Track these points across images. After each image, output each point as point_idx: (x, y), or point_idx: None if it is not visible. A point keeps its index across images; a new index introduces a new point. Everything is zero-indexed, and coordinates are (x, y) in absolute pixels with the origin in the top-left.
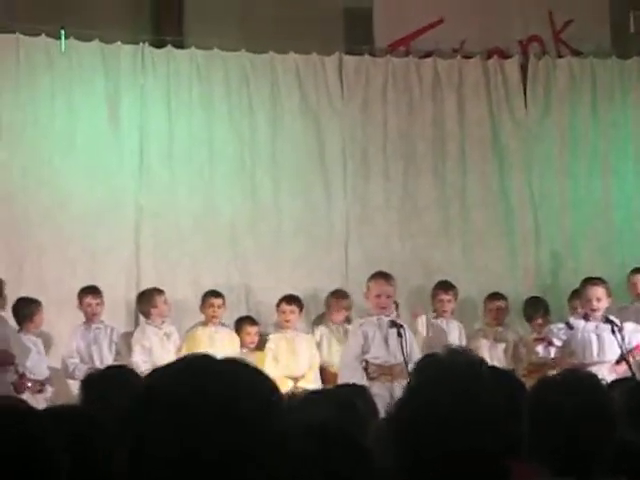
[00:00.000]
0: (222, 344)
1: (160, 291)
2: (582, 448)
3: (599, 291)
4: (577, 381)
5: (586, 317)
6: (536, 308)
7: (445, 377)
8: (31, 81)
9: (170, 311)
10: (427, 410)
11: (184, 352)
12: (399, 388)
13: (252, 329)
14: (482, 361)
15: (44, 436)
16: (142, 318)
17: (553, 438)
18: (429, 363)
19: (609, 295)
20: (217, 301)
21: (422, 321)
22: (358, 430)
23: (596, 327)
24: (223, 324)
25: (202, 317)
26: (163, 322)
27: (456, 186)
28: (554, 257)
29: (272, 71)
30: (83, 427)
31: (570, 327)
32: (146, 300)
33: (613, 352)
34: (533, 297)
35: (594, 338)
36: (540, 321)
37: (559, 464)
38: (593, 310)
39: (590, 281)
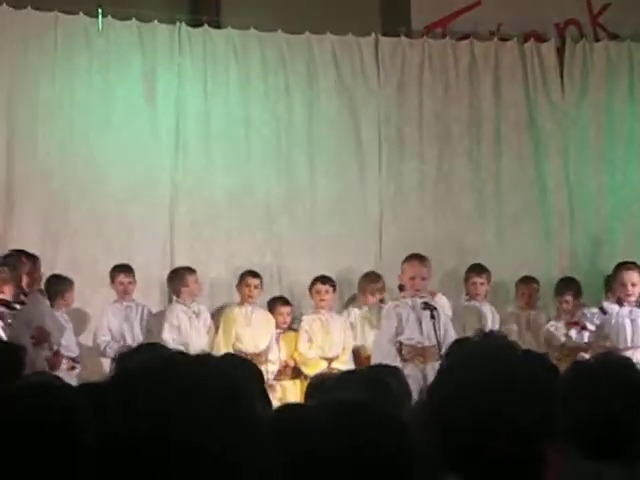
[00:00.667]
0: (258, 324)
1: (192, 270)
2: (620, 430)
3: (634, 276)
4: (612, 363)
5: (620, 302)
6: (568, 286)
7: (477, 360)
8: (69, 59)
9: (201, 290)
10: (459, 392)
11: (220, 331)
12: (432, 370)
13: (285, 309)
14: (514, 344)
15: (76, 412)
16: (173, 297)
17: (589, 421)
18: (461, 346)
19: None
20: (254, 281)
21: (440, 301)
22: (392, 410)
23: (630, 312)
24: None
25: (235, 296)
26: (193, 301)
27: (491, 169)
28: (589, 241)
29: (308, 52)
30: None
31: (604, 312)
32: (177, 279)
33: None
34: (568, 277)
35: (628, 323)
36: (568, 298)
37: (595, 447)
38: (627, 295)
39: (624, 265)
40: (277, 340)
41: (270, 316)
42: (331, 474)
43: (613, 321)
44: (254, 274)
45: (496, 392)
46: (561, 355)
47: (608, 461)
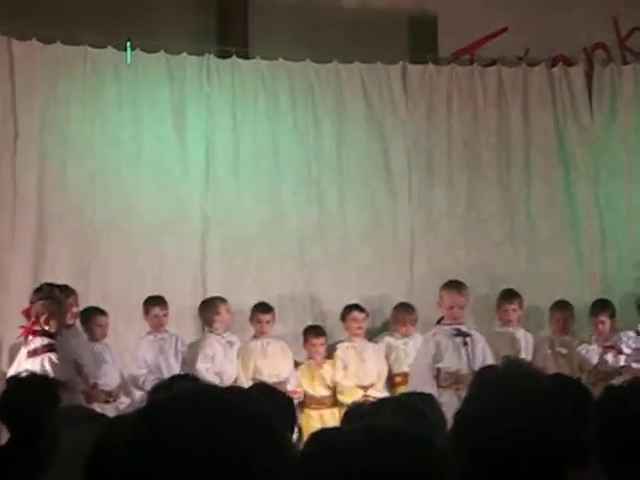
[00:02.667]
0: (275, 355)
1: (223, 300)
2: None
3: None
4: None
5: None
6: (604, 307)
7: (502, 385)
8: (98, 93)
9: (233, 320)
10: (487, 417)
11: (239, 365)
12: None
13: (317, 340)
14: (539, 370)
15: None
16: (206, 327)
17: (622, 447)
18: (487, 373)
19: None
20: (266, 317)
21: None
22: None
23: None
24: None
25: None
26: (226, 331)
27: (521, 194)
28: (621, 265)
29: (337, 80)
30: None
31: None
32: (209, 308)
33: None
34: (603, 298)
35: None
36: (604, 319)
37: (627, 473)
38: None
39: None
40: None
41: (286, 347)
42: None
43: None
44: (265, 310)
45: (520, 416)
46: (595, 379)
47: None
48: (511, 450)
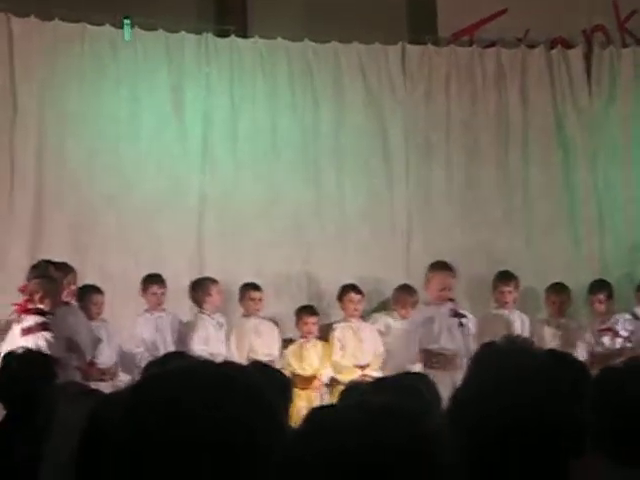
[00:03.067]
0: (267, 334)
1: (214, 281)
2: None
3: None
4: None
5: None
6: (601, 287)
7: (502, 363)
8: (96, 70)
9: (222, 301)
10: (483, 395)
11: (233, 344)
12: (460, 377)
13: (310, 319)
14: (540, 349)
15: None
16: (196, 308)
17: (619, 427)
18: (487, 350)
19: None
20: (258, 294)
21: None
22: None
23: None
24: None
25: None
26: (215, 312)
27: (519, 176)
28: (619, 247)
29: (335, 60)
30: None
31: (636, 317)
32: (200, 289)
33: None
34: (601, 279)
35: None
36: (601, 297)
37: (625, 454)
38: None
39: None
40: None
41: (274, 325)
42: (360, 469)
43: None
44: (256, 287)
45: (519, 394)
46: (591, 362)
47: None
48: (506, 427)
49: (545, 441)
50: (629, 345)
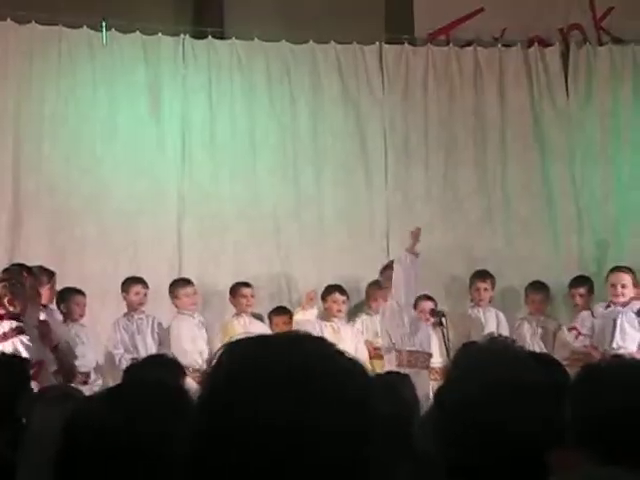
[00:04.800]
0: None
1: (186, 282)
2: (631, 432)
3: (622, 278)
4: (621, 365)
5: (609, 304)
6: (582, 281)
7: (483, 364)
8: (73, 73)
9: (196, 304)
10: (466, 395)
11: (219, 343)
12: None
13: (280, 319)
14: (521, 348)
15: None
16: (176, 309)
17: (599, 426)
18: (469, 351)
19: (635, 284)
20: (249, 291)
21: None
22: (407, 415)
23: (618, 314)
24: (253, 314)
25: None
26: (195, 312)
27: (497, 175)
28: (597, 245)
29: (313, 61)
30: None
31: (593, 315)
32: (172, 291)
33: (633, 340)
34: (581, 275)
35: (611, 324)
36: (582, 292)
37: (606, 451)
38: (616, 296)
39: (615, 269)
40: None
41: (266, 327)
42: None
43: (600, 323)
44: (247, 284)
45: (502, 397)
46: (571, 360)
47: (622, 466)
48: (491, 434)
49: (529, 445)
50: (588, 343)
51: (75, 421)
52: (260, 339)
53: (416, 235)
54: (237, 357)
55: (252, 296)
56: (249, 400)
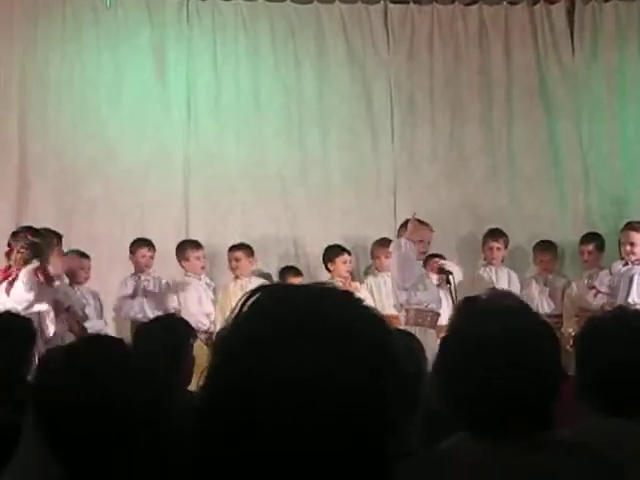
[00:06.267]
0: None
1: (196, 245)
2: (636, 383)
3: (631, 236)
4: (625, 315)
5: (626, 261)
6: (591, 238)
7: (485, 316)
8: (78, 36)
9: (204, 267)
10: (466, 349)
11: (219, 307)
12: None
13: (295, 280)
14: (522, 301)
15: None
16: (184, 270)
17: (604, 375)
18: (469, 304)
19: None
20: (235, 254)
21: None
22: (416, 371)
23: (635, 272)
24: (261, 274)
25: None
26: (202, 274)
27: (503, 133)
28: (604, 202)
29: (317, 21)
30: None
31: (611, 272)
32: (180, 252)
33: None
34: (592, 232)
35: (627, 281)
36: (590, 249)
37: (611, 402)
38: (628, 254)
39: (627, 225)
40: None
41: (266, 281)
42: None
43: (618, 280)
44: (235, 247)
45: (503, 348)
46: (580, 317)
47: (625, 417)
48: (494, 387)
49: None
50: (611, 301)
51: (38, 380)
52: (279, 288)
53: (414, 222)
54: (254, 309)
55: (237, 259)
56: (265, 354)
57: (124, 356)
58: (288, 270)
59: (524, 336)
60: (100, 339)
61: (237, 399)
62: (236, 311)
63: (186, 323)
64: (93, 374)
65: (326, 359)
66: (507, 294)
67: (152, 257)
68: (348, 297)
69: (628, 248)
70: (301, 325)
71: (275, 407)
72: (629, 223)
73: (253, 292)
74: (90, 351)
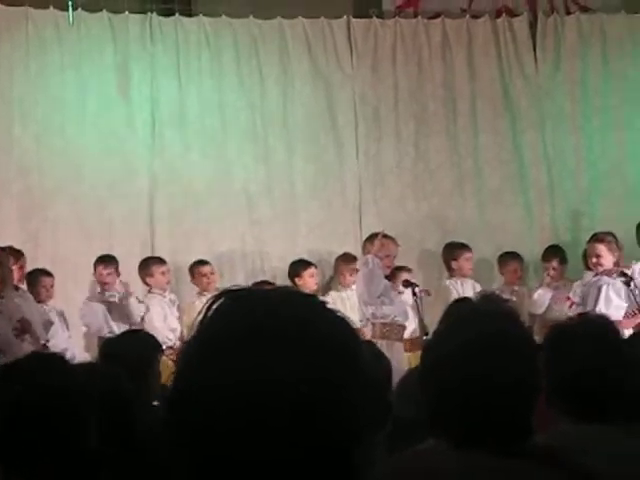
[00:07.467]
0: None
1: (160, 261)
2: (602, 389)
3: (595, 248)
4: (590, 322)
5: (597, 273)
6: (555, 253)
7: (475, 318)
8: (41, 54)
9: (169, 282)
10: (451, 347)
11: (184, 324)
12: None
13: None
14: (512, 307)
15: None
16: (147, 287)
17: (570, 380)
18: (459, 307)
19: (612, 251)
20: (208, 268)
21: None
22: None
23: (604, 283)
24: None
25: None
26: (166, 290)
27: (468, 145)
28: (570, 214)
29: (281, 36)
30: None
31: (583, 284)
32: (144, 269)
33: (618, 309)
34: (554, 245)
35: (596, 292)
36: (555, 265)
37: (579, 408)
38: (595, 266)
39: (593, 237)
40: None
41: None
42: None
43: (588, 291)
44: (203, 262)
45: (489, 352)
46: (545, 326)
47: (594, 422)
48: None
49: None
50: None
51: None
52: (242, 293)
53: (381, 240)
54: (215, 313)
55: (212, 273)
56: (220, 358)
57: (64, 373)
58: (260, 285)
59: (503, 342)
60: (41, 356)
61: (196, 405)
62: (200, 316)
63: (153, 338)
64: (28, 391)
65: (282, 361)
66: (497, 297)
67: (110, 274)
68: (311, 299)
69: (594, 260)
70: (258, 327)
71: (230, 412)
72: (595, 235)
73: (217, 297)
74: (28, 368)
